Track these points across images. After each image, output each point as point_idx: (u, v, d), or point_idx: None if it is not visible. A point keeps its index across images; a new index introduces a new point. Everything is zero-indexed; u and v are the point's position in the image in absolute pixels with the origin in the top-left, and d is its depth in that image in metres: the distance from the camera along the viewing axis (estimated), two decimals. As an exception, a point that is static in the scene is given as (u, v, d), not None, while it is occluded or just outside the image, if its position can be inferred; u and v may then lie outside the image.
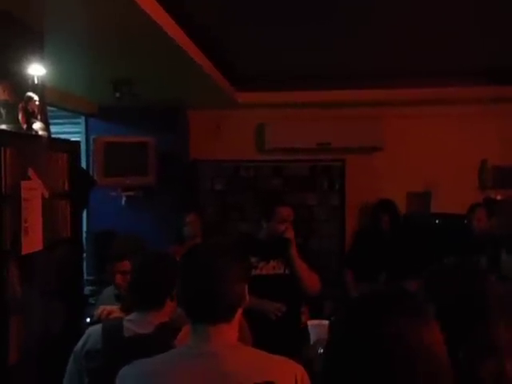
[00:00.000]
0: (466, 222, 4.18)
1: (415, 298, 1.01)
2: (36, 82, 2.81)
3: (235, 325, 1.52)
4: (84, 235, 4.20)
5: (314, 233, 5.51)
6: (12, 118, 2.61)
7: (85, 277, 4.01)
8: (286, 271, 3.09)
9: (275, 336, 2.64)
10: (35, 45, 2.90)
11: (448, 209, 5.11)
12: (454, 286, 1.34)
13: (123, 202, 5.34)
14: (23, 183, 2.39)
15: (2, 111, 2.57)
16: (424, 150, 5.52)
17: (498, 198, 5.37)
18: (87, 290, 4.01)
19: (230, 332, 1.50)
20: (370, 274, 3.82)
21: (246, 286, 1.55)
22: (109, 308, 2.34)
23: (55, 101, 4.22)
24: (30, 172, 2.47)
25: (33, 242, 2.45)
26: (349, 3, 3.13)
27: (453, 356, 0.98)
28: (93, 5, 2.66)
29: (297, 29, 3.61)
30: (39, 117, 2.75)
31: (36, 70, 2.81)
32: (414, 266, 3.94)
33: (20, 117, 2.64)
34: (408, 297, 1.01)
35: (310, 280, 3.06)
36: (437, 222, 5.22)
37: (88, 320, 2.50)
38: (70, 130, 5.45)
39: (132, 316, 2.00)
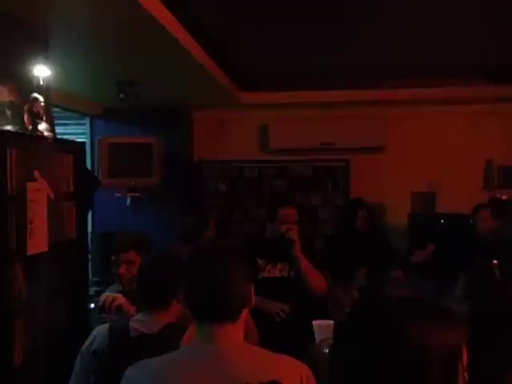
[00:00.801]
0: (471, 221, 4.16)
1: (437, 303, 0.99)
2: (41, 83, 2.82)
3: (241, 325, 1.52)
4: (89, 236, 4.21)
5: (319, 233, 5.51)
6: (17, 119, 2.62)
7: (90, 278, 4.01)
8: (291, 273, 3.07)
9: (281, 336, 2.64)
10: (40, 46, 2.91)
11: (453, 209, 5.10)
12: (490, 291, 1.33)
13: (128, 203, 5.35)
14: (29, 184, 2.39)
15: (8, 112, 2.58)
16: (428, 149, 5.52)
17: (504, 198, 5.35)
18: (92, 290, 4.01)
19: (235, 332, 1.49)
20: (346, 273, 3.81)
21: (252, 287, 1.55)
22: (113, 295, 2.34)
23: (60, 102, 4.24)
24: (36, 173, 2.47)
25: (38, 243, 2.45)
26: (350, 3, 3.14)
27: (474, 359, 0.97)
28: (97, 6, 2.67)
29: (300, 29, 3.62)
30: (44, 118, 2.76)
31: (41, 72, 2.82)
32: (397, 258, 3.99)
33: (25, 118, 2.65)
34: (430, 302, 0.99)
35: (316, 281, 3.03)
36: (442, 221, 5.20)
37: (92, 305, 2.51)
38: (75, 131, 5.47)
39: (138, 316, 2.01)
